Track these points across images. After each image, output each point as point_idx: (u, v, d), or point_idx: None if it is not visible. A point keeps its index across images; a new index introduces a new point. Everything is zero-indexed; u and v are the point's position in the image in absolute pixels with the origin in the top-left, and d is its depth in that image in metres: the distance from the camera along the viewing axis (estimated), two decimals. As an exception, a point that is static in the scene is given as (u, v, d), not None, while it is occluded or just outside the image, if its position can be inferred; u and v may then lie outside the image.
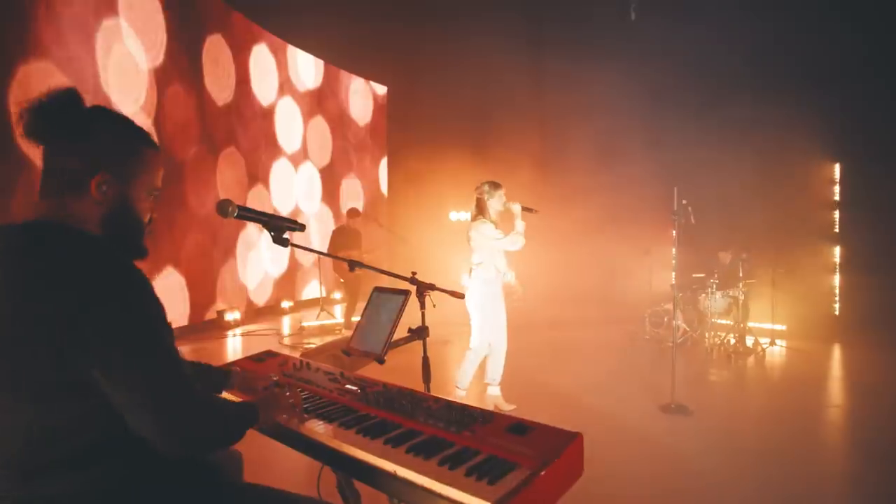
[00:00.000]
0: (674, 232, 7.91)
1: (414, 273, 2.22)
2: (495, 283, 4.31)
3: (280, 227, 1.82)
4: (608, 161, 8.68)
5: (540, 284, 7.79)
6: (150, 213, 1.47)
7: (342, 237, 8.00)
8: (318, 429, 1.63)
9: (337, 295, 10.41)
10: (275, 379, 1.96)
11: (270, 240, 1.85)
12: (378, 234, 9.19)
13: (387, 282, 2.22)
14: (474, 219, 4.33)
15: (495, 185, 4.37)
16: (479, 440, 1.46)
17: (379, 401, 1.78)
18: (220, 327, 8.47)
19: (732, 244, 7.07)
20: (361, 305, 7.89)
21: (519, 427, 1.50)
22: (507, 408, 4.46)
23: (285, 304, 9.98)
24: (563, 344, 7.49)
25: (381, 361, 1.98)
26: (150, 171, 1.42)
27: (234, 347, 7.62)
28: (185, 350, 7.17)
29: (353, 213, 8.30)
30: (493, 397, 4.48)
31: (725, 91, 7.79)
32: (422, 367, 2.27)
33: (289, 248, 2.26)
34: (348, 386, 1.94)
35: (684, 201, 4.68)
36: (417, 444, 1.47)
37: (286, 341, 7.68)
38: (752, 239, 7.22)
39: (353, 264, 2.14)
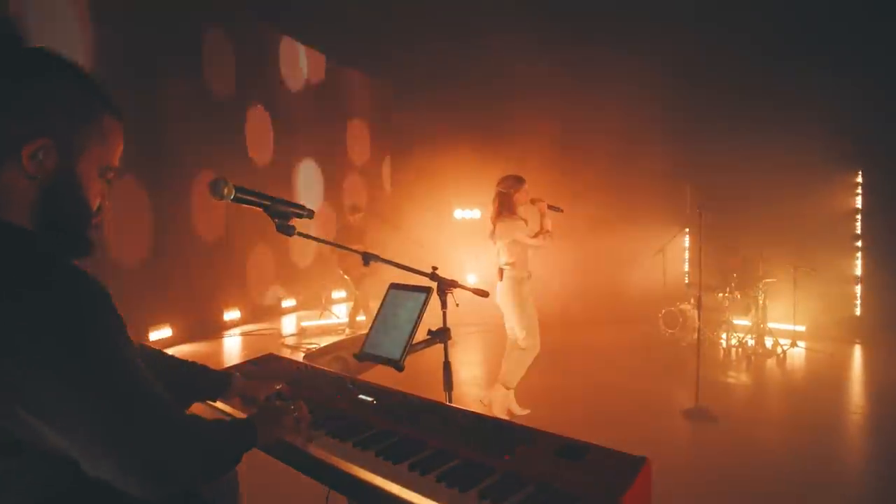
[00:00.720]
0: (686, 231, 7.65)
1: (435, 268, 1.97)
2: (527, 282, 4.09)
3: (285, 213, 1.56)
4: (621, 157, 8.42)
5: (549, 282, 7.54)
6: (102, 198, 1.14)
7: (345, 235, 7.73)
8: (328, 448, 1.38)
9: (336, 294, 10.13)
10: (278, 387, 1.70)
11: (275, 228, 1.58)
12: (383, 232, 8.91)
13: (401, 279, 1.98)
14: (499, 216, 4.08)
15: (519, 180, 4.12)
16: (524, 465, 1.21)
17: (399, 415, 1.52)
18: (218, 327, 8.22)
19: (751, 242, 6.81)
20: (373, 305, 7.62)
21: (572, 449, 1.25)
22: (521, 412, 4.24)
23: (286, 304, 9.74)
24: (575, 344, 7.23)
25: (399, 368, 1.73)
26: (107, 144, 1.11)
27: (230, 349, 7.37)
28: (182, 351, 6.93)
29: (354, 209, 8.03)
30: (504, 399, 4.21)
31: (746, 87, 7.54)
32: (443, 374, 2.01)
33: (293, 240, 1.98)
34: (361, 396, 1.69)
35: (698, 206, 4.43)
36: (450, 471, 1.21)
37: (288, 342, 7.44)
38: (771, 237, 6.95)
39: (369, 257, 1.89)
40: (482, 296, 2.22)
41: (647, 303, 7.84)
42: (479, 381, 5.38)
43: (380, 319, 1.90)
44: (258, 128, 8.84)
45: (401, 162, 11.77)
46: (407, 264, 2.01)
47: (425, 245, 9.00)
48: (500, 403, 4.14)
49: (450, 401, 2.00)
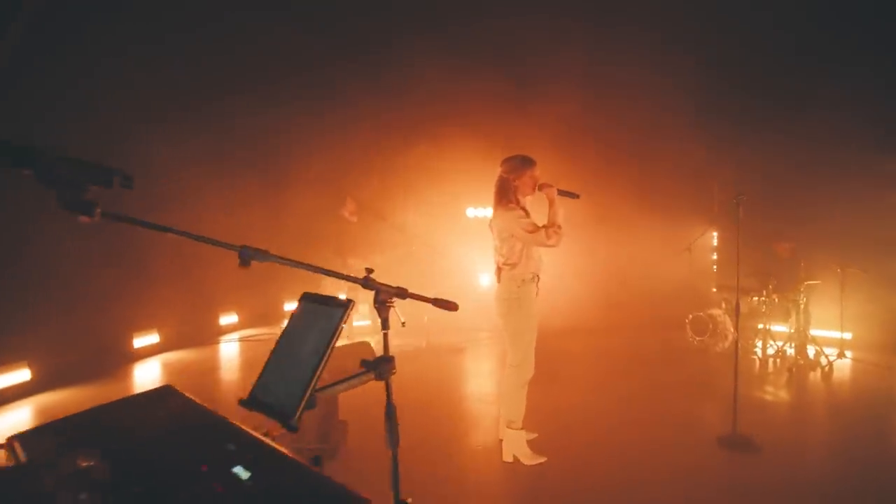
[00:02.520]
0: (714, 232, 6.92)
1: (369, 271, 1.39)
2: (530, 286, 3.38)
3: (70, 180, 0.98)
4: (644, 153, 7.72)
5: (566, 284, 6.90)
6: None
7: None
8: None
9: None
10: (85, 465, 1.13)
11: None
12: (385, 232, 8.32)
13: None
14: (499, 205, 3.43)
15: (526, 162, 3.43)
16: None
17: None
18: (214, 332, 7.79)
19: (791, 237, 6.05)
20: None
21: None
22: (532, 461, 3.42)
23: (289, 307, 9.29)
24: (594, 352, 6.58)
25: (292, 428, 1.15)
26: None
27: (223, 356, 6.91)
28: (169, 360, 6.49)
29: (347, 204, 7.28)
30: (514, 443, 3.45)
31: (781, 77, 6.78)
32: (385, 425, 1.44)
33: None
34: (236, 470, 1.12)
35: (736, 198, 3.74)
36: None
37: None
38: (814, 235, 6.19)
39: (248, 254, 1.32)
40: (448, 309, 1.64)
41: (673, 307, 7.13)
42: (490, 399, 4.78)
43: (279, 348, 1.33)
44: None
45: (406, 156, 11.16)
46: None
47: (435, 245, 8.42)
48: (510, 449, 3.46)
49: (394, 458, 1.42)
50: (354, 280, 1.42)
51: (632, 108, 7.21)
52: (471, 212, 11.07)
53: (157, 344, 6.65)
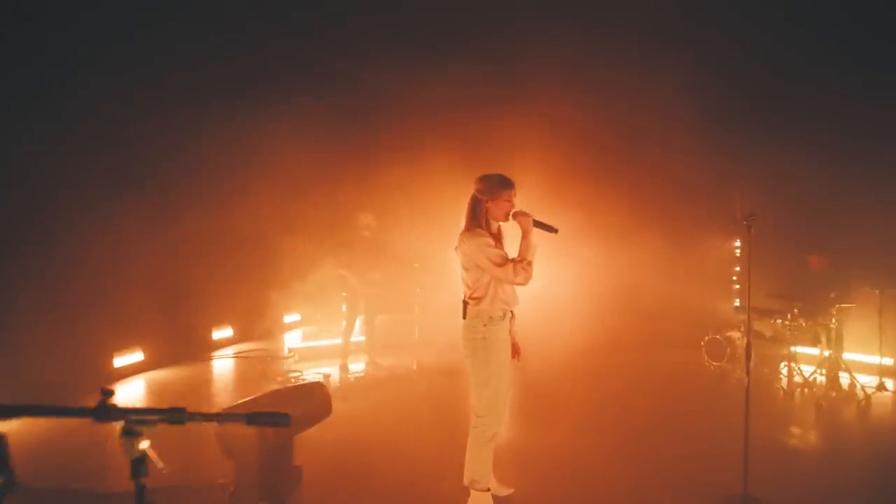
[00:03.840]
0: (737, 244, 6.29)
1: (108, 394, 0.97)
2: (500, 325, 2.95)
3: None
4: (660, 160, 7.13)
5: (568, 300, 6.41)
6: None
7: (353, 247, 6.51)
8: None
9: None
10: None
11: None
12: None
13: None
14: (467, 227, 3.01)
15: (503, 182, 2.99)
16: None
17: None
18: (206, 347, 7.54)
19: (825, 249, 5.40)
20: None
21: None
22: None
23: (290, 319, 8.99)
24: (593, 376, 6.05)
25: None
26: None
27: (211, 374, 6.64)
28: (154, 378, 6.24)
29: (362, 216, 6.56)
30: None
31: (805, 70, 6.13)
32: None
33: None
34: None
35: (746, 219, 3.20)
36: None
37: (278, 366, 6.62)
38: (847, 252, 5.51)
39: None
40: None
41: (687, 324, 6.55)
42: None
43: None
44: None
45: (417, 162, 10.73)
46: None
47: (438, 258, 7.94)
48: None
49: None
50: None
51: (640, 112, 6.64)
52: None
53: (141, 362, 6.41)
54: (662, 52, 6.12)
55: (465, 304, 2.98)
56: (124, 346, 6.26)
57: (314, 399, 3.25)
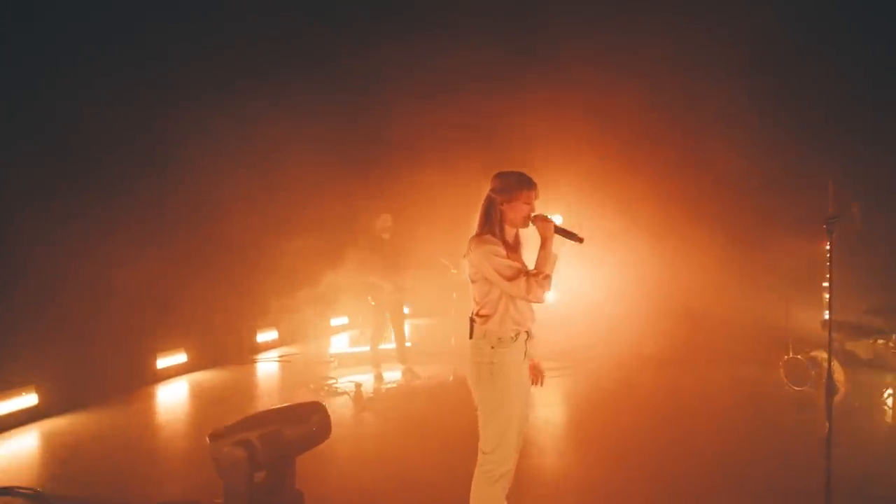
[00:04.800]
0: (828, 246, 5.43)
1: None
2: (512, 347, 2.51)
3: None
4: (733, 145, 6.33)
5: (612, 306, 5.82)
6: None
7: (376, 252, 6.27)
8: None
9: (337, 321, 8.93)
10: None
11: None
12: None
13: None
14: (478, 233, 2.58)
15: (522, 182, 2.56)
16: None
17: None
18: (251, 349, 7.56)
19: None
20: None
21: None
22: None
23: (336, 322, 8.90)
24: (639, 398, 5.38)
25: None
26: None
27: (249, 378, 6.59)
28: (197, 380, 6.27)
29: (381, 218, 6.17)
30: None
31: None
32: None
33: None
34: None
35: (826, 221, 2.61)
36: None
37: (318, 373, 6.44)
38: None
39: None
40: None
41: (762, 340, 5.73)
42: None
43: None
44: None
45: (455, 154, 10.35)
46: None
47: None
48: None
49: None
50: None
51: (699, 93, 5.88)
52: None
53: (185, 364, 6.47)
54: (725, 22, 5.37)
55: (472, 321, 2.57)
56: (168, 347, 6.34)
57: (311, 421, 2.96)
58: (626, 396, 5.40)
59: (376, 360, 6.07)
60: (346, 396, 5.52)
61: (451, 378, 5.94)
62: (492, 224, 2.56)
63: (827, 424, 2.61)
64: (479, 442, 2.53)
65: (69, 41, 5.08)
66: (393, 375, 6.10)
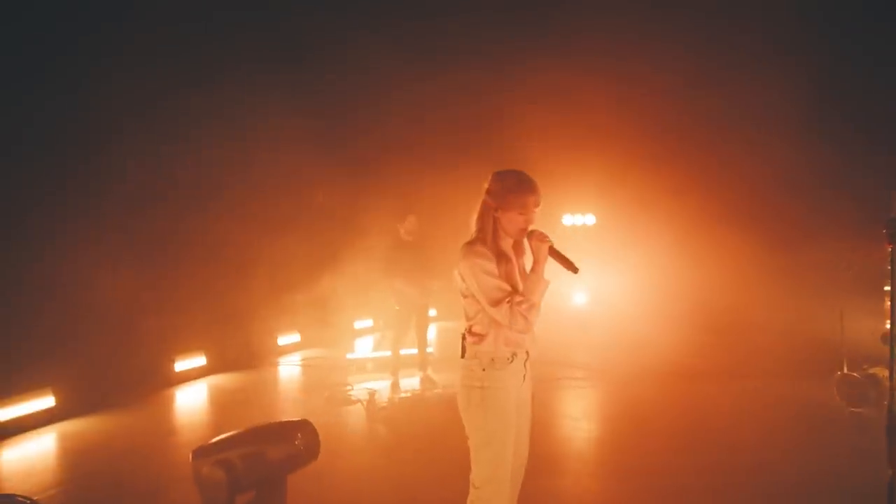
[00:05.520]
0: (890, 249, 4.87)
1: None
2: (507, 370, 2.19)
3: None
4: (787, 147, 5.82)
5: (648, 308, 5.42)
6: None
7: (399, 255, 5.96)
8: None
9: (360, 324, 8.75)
10: None
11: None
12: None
13: None
14: (469, 241, 2.25)
15: (520, 185, 2.20)
16: None
17: None
18: (271, 352, 7.47)
19: None
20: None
21: None
22: None
23: (360, 324, 8.75)
24: (678, 413, 4.96)
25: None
26: None
27: (265, 381, 6.48)
28: (214, 383, 6.21)
29: (406, 220, 5.86)
30: None
31: None
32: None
33: None
34: None
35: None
36: None
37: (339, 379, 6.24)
38: None
39: None
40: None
41: (813, 351, 5.20)
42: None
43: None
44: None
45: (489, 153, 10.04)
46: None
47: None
48: None
49: None
50: None
51: (746, 86, 5.40)
52: (567, 219, 9.73)
53: (203, 367, 6.42)
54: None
55: (463, 339, 2.27)
56: (187, 350, 6.30)
57: (297, 440, 2.74)
58: (657, 413, 4.97)
59: (396, 367, 5.85)
60: (358, 405, 5.32)
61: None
62: (484, 232, 2.24)
63: (889, 472, 2.19)
64: (471, 474, 2.24)
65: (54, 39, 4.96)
66: (411, 383, 5.87)
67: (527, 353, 2.27)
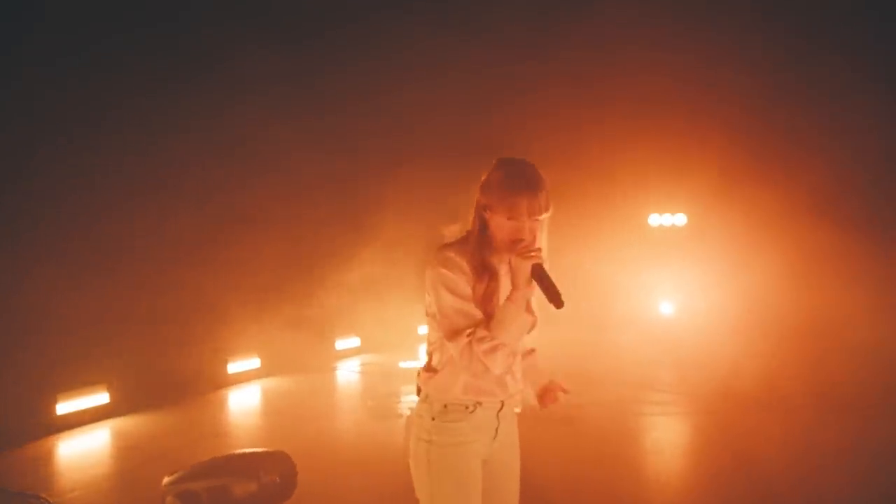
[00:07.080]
0: None
1: None
2: (463, 422, 1.63)
3: None
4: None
5: (745, 326, 4.58)
6: None
7: None
8: None
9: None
10: None
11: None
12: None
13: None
14: (442, 245, 1.70)
15: (514, 181, 1.57)
16: None
17: None
18: (330, 357, 7.31)
19: None
20: None
21: None
22: None
23: (422, 331, 8.40)
24: (773, 452, 3.99)
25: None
26: None
27: (317, 388, 6.30)
28: (267, 387, 6.15)
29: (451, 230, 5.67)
30: None
31: None
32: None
33: None
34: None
35: None
36: None
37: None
38: None
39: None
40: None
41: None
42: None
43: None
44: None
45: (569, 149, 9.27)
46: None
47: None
48: None
49: None
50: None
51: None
52: (655, 219, 8.81)
53: (258, 369, 6.38)
54: None
55: (418, 374, 1.74)
56: (241, 351, 6.28)
57: (269, 476, 2.38)
58: (745, 449, 4.06)
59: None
60: (402, 419, 4.94)
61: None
62: (469, 233, 1.67)
63: None
64: None
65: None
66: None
67: (501, 403, 1.69)
